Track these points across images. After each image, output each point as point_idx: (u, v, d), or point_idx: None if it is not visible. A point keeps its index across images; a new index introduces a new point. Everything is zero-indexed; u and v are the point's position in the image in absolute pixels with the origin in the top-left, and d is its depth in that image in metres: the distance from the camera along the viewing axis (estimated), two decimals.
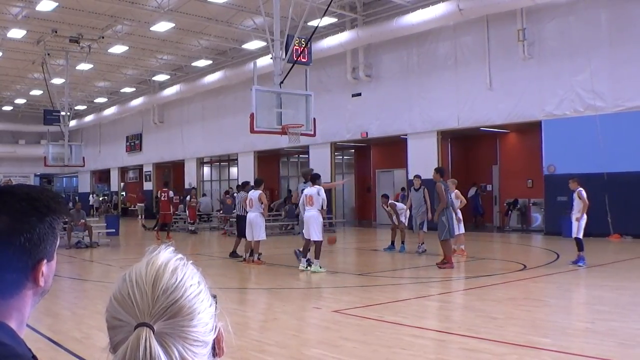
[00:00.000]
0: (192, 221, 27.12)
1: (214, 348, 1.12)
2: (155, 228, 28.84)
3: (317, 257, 13.37)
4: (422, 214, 16.38)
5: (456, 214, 15.48)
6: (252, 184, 17.18)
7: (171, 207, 24.24)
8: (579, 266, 13.04)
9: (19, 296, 1.28)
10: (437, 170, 14.52)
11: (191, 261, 1.16)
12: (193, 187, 33.89)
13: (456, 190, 16.12)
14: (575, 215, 13.41)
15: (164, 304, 1.05)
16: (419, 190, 16.53)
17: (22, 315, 1.29)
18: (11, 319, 1.26)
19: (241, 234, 16.12)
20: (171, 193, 24.91)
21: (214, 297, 1.17)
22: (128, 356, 1.01)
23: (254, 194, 15.41)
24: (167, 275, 1.08)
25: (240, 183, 19.18)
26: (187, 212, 27.45)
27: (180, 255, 1.15)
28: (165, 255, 1.13)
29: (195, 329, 1.06)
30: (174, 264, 1.11)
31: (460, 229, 15.81)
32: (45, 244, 1.30)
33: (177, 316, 1.05)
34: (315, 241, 13.42)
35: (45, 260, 1.31)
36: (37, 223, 1.29)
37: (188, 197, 27.70)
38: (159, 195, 25.68)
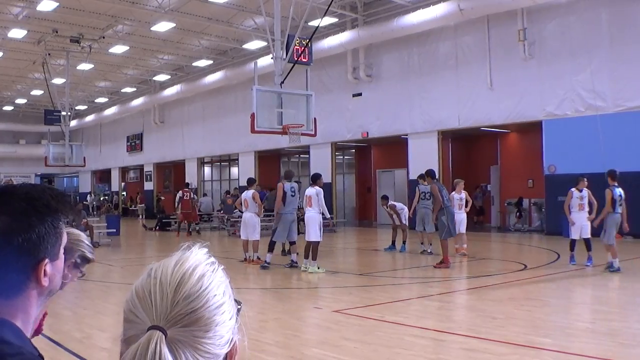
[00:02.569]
0: (193, 221, 26.93)
1: None
2: (156, 227, 28.96)
3: (314, 257, 13.37)
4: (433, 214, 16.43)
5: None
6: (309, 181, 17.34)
7: (192, 206, 24.85)
8: (587, 265, 13.12)
9: (23, 296, 1.28)
10: (428, 173, 15.04)
11: (222, 266, 1.14)
12: (194, 187, 33.82)
13: (464, 191, 16.25)
14: (587, 215, 13.47)
15: (183, 311, 1.02)
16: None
17: (27, 315, 1.29)
18: (17, 319, 1.26)
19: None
20: (192, 193, 25.40)
21: (239, 303, 1.15)
22: (137, 358, 1.00)
23: (248, 194, 15.44)
24: (193, 281, 1.05)
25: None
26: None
27: (212, 259, 1.12)
28: (197, 257, 1.10)
29: (209, 341, 1.04)
30: (202, 270, 1.08)
31: (458, 228, 15.87)
32: (47, 244, 1.30)
33: (193, 325, 1.03)
34: (313, 242, 13.44)
35: (47, 260, 1.31)
36: (36, 223, 1.29)
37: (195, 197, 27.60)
38: (181, 195, 25.79)
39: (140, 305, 1.05)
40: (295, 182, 14.81)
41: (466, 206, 16.26)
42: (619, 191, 13.01)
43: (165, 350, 1.00)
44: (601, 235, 12.78)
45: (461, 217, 16.02)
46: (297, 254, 14.30)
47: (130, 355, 1.01)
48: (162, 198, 33.75)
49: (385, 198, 18.15)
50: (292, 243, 14.38)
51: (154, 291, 1.05)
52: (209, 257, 1.12)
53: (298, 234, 17.05)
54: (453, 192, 16.12)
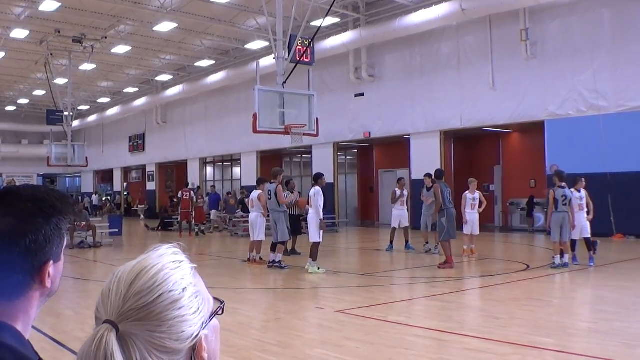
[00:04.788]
0: (200, 222, 26.82)
1: (192, 356, 1.10)
2: (159, 227, 28.98)
3: (314, 258, 13.35)
4: (433, 215, 16.34)
5: (462, 215, 15.58)
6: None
7: (192, 206, 24.70)
8: (589, 265, 13.16)
9: (25, 298, 1.28)
10: (435, 172, 14.99)
11: (193, 265, 1.15)
12: (197, 187, 33.56)
13: (478, 191, 16.12)
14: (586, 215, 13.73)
15: (133, 306, 1.05)
16: (431, 189, 16.45)
17: (28, 316, 1.29)
18: (18, 321, 1.26)
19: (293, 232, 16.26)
20: (192, 193, 25.25)
21: (221, 302, 1.17)
22: (86, 352, 1.05)
23: (254, 194, 15.45)
24: (147, 278, 1.08)
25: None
26: (193, 212, 27.02)
27: (179, 258, 1.14)
28: (160, 256, 1.12)
29: (164, 335, 1.06)
30: (161, 266, 1.10)
31: (471, 229, 15.80)
32: (52, 245, 1.30)
33: (145, 320, 1.05)
34: (313, 242, 13.43)
35: (51, 262, 1.30)
36: (42, 224, 1.28)
37: (194, 197, 27.42)
38: (179, 195, 25.78)
39: (101, 302, 1.10)
40: (273, 182, 14.75)
41: (480, 206, 15.94)
42: (563, 192, 13.23)
43: (112, 342, 1.04)
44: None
45: (474, 218, 15.79)
46: (281, 254, 14.41)
47: (81, 348, 1.07)
48: (175, 200, 33.50)
49: (401, 180, 18.08)
50: (281, 243, 14.39)
51: (111, 288, 1.09)
52: (176, 256, 1.14)
53: (301, 234, 17.13)
54: (466, 192, 16.02)
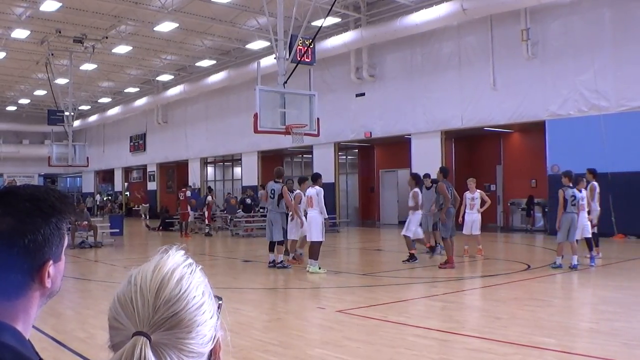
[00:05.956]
0: (208, 223, 26.79)
1: (210, 357, 1.12)
2: (159, 227, 28.99)
3: (315, 257, 13.35)
4: (434, 214, 16.21)
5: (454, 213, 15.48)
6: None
7: (188, 206, 24.64)
8: (590, 265, 13.16)
9: (25, 297, 1.27)
10: (441, 170, 14.77)
11: (200, 267, 1.16)
12: (210, 188, 33.05)
13: (479, 191, 16.03)
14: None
15: (164, 315, 1.06)
16: (430, 189, 16.34)
17: (28, 316, 1.28)
18: (18, 321, 1.25)
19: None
20: (188, 193, 25.18)
21: (220, 299, 1.18)
22: None
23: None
24: (172, 285, 1.08)
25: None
26: (205, 213, 26.83)
27: (189, 261, 1.14)
28: (174, 260, 1.13)
29: (193, 341, 1.07)
30: (180, 272, 1.10)
31: (471, 229, 15.70)
32: (51, 245, 1.29)
33: (176, 328, 1.06)
34: (313, 242, 13.43)
35: (51, 261, 1.30)
36: (41, 224, 1.28)
37: (210, 198, 27.22)
38: (179, 196, 25.76)
39: (123, 312, 1.08)
40: (277, 182, 14.73)
41: (482, 206, 15.82)
42: (572, 192, 13.11)
43: (150, 355, 1.03)
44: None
45: (473, 218, 15.68)
46: (284, 254, 14.45)
47: None
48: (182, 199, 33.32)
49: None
50: (279, 243, 14.37)
51: (135, 298, 1.08)
52: (187, 259, 1.15)
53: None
54: (466, 192, 15.95)
